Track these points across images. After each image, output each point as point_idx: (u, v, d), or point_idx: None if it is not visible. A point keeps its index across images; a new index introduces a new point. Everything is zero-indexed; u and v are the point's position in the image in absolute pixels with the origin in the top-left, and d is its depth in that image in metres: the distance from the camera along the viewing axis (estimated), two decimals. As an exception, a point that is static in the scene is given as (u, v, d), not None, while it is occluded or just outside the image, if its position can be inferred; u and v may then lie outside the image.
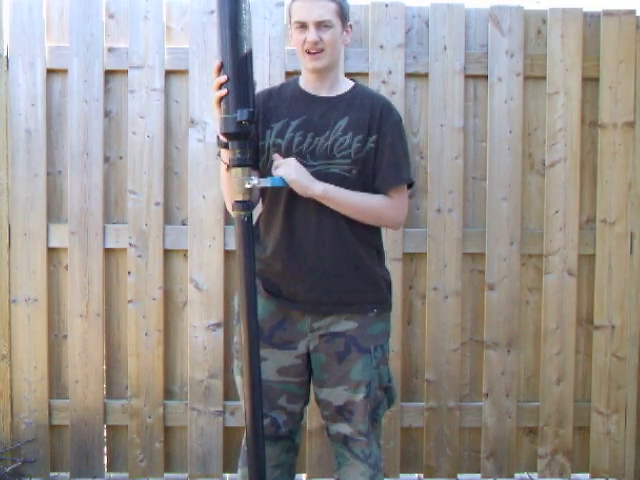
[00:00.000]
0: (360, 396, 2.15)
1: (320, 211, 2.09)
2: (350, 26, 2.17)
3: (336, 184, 2.08)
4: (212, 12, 2.83)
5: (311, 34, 2.06)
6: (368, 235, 2.18)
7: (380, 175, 2.14)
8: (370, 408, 2.17)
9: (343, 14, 2.11)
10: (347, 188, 2.10)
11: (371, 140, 2.12)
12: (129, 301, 2.92)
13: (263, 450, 2.02)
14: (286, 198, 2.07)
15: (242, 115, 1.89)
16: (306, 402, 2.27)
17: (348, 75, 2.72)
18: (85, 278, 2.90)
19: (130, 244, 2.90)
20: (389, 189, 2.16)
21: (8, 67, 2.86)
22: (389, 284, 2.25)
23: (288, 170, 2.03)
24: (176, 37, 2.91)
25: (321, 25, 2.06)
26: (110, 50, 2.88)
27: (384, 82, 2.89)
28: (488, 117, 2.93)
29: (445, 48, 2.90)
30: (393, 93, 2.88)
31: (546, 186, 2.96)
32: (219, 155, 2.17)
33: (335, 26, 2.08)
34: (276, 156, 2.09)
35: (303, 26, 2.07)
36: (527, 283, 3.00)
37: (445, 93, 2.91)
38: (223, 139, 1.97)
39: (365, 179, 2.13)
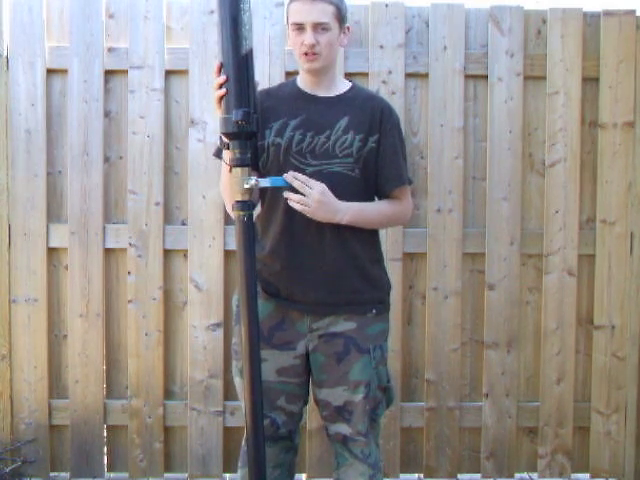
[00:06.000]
0: (359, 396, 2.15)
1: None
2: (348, 28, 2.17)
3: (340, 183, 2.08)
4: (212, 12, 2.83)
5: (308, 37, 2.05)
6: (367, 235, 2.18)
7: (383, 176, 2.16)
8: (369, 408, 2.17)
9: (341, 16, 2.10)
10: (351, 187, 2.11)
11: (372, 140, 2.13)
12: (129, 301, 2.92)
13: (263, 450, 2.02)
14: (286, 198, 2.06)
15: (237, 115, 1.89)
16: (305, 402, 2.27)
17: (348, 75, 2.74)
18: (85, 278, 2.90)
19: (130, 244, 2.90)
20: (393, 190, 2.19)
21: (8, 67, 2.86)
22: (388, 284, 2.26)
23: (308, 209, 2.02)
24: (176, 37, 2.91)
25: (318, 27, 2.05)
26: (110, 50, 2.88)
27: (384, 82, 2.89)
28: (488, 117, 2.93)
29: (445, 48, 2.90)
30: (393, 93, 2.88)
31: (546, 186, 2.96)
32: (215, 155, 2.18)
33: (332, 29, 2.08)
34: (294, 176, 2.04)
35: (300, 28, 2.07)
36: (527, 283, 3.00)
37: (445, 93, 2.91)
38: (225, 140, 1.98)
39: (367, 178, 2.15)
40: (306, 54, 2.08)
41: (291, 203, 2.03)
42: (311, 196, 2.02)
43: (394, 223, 2.35)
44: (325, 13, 2.05)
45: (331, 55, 2.12)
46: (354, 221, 2.10)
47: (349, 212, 2.08)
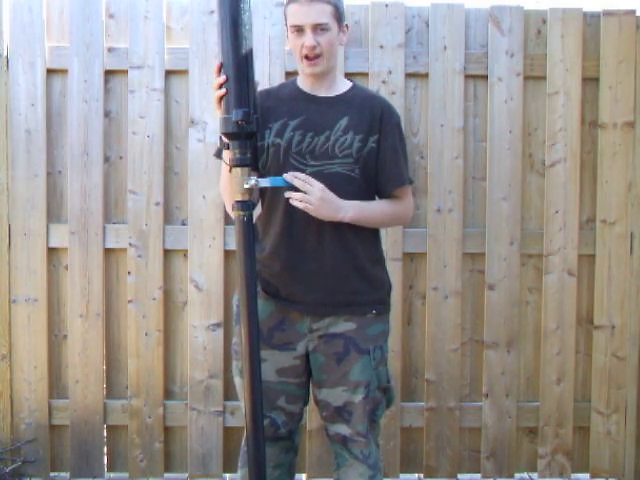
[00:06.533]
0: (359, 397, 2.14)
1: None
2: (346, 26, 2.16)
3: (340, 183, 2.08)
4: (212, 12, 2.83)
5: (308, 39, 2.04)
6: (368, 236, 2.18)
7: (384, 176, 2.16)
8: (369, 409, 2.17)
9: (339, 15, 2.09)
10: (351, 187, 2.10)
11: (372, 140, 2.12)
12: (129, 301, 2.92)
13: (263, 450, 2.02)
14: (286, 198, 2.06)
15: (237, 115, 1.89)
16: (305, 403, 2.27)
17: (348, 75, 2.73)
18: (85, 278, 2.90)
19: (130, 244, 2.90)
20: (394, 190, 2.19)
21: (8, 67, 2.86)
22: (389, 285, 2.25)
23: (310, 207, 2.01)
24: (176, 37, 2.91)
25: (318, 28, 2.04)
26: (110, 50, 2.88)
27: (384, 82, 2.89)
28: (488, 117, 2.93)
29: (445, 48, 2.90)
30: (393, 93, 2.88)
31: (546, 186, 2.96)
32: (216, 155, 2.18)
33: (332, 29, 2.07)
34: (295, 176, 2.03)
35: (299, 30, 2.06)
36: (527, 283, 3.00)
37: (445, 93, 2.91)
38: (225, 140, 1.97)
39: (367, 179, 2.14)
40: (307, 57, 2.07)
41: (294, 202, 2.02)
42: (313, 194, 2.01)
43: (396, 222, 2.33)
44: (323, 13, 2.04)
45: (332, 56, 2.11)
46: (356, 219, 2.09)
47: (351, 209, 2.08)
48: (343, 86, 2.20)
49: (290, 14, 2.08)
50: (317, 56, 2.06)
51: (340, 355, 2.14)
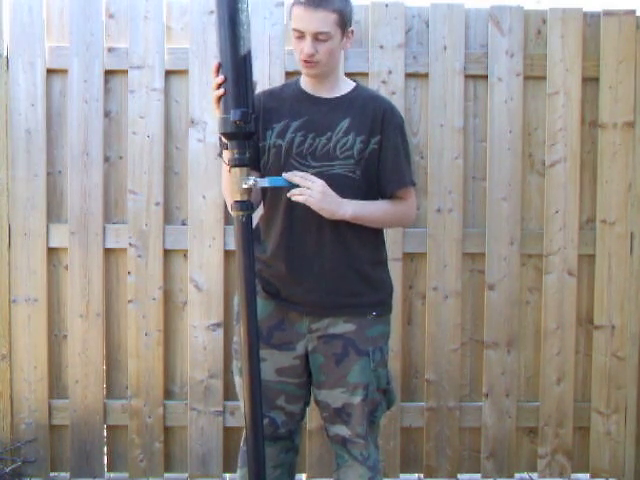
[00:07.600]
0: (358, 399, 2.14)
1: (321, 212, 2.08)
2: (352, 31, 2.13)
3: (340, 185, 2.07)
4: (212, 12, 2.83)
5: (307, 46, 2.02)
6: (369, 237, 2.17)
7: (385, 177, 2.14)
8: (368, 411, 2.16)
9: (344, 22, 2.06)
10: (352, 189, 2.09)
11: (374, 141, 2.11)
12: (129, 301, 2.92)
13: (263, 450, 2.02)
14: (286, 199, 2.06)
15: (235, 115, 1.88)
16: (306, 403, 2.26)
17: (348, 75, 2.71)
18: (85, 278, 2.90)
19: (130, 244, 2.90)
20: (395, 191, 2.17)
21: (8, 67, 2.86)
22: (390, 287, 2.25)
23: (312, 200, 2.00)
24: (176, 37, 2.91)
25: (318, 36, 2.02)
26: (110, 50, 2.88)
27: (384, 82, 2.89)
28: (488, 117, 2.93)
29: (445, 48, 2.90)
30: (393, 93, 2.88)
31: (546, 186, 2.96)
32: (219, 155, 2.18)
33: (333, 37, 2.04)
34: (294, 174, 2.02)
35: (301, 35, 2.04)
36: (527, 283, 3.00)
37: (445, 93, 2.91)
38: (224, 140, 1.97)
39: (369, 180, 2.13)
40: (305, 61, 2.07)
41: (295, 197, 2.00)
42: (314, 187, 2.00)
43: (398, 223, 2.29)
44: (326, 22, 2.01)
45: (331, 62, 2.09)
46: (357, 217, 2.08)
47: (351, 207, 2.06)
48: (346, 87, 2.18)
49: (294, 17, 2.05)
50: (315, 61, 2.06)
51: (339, 356, 2.13)
